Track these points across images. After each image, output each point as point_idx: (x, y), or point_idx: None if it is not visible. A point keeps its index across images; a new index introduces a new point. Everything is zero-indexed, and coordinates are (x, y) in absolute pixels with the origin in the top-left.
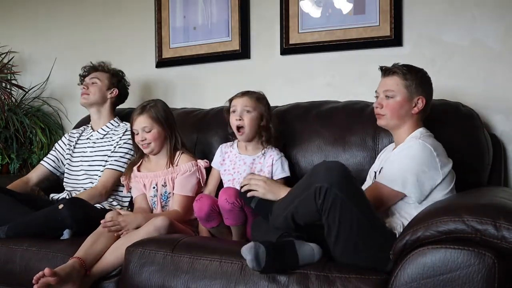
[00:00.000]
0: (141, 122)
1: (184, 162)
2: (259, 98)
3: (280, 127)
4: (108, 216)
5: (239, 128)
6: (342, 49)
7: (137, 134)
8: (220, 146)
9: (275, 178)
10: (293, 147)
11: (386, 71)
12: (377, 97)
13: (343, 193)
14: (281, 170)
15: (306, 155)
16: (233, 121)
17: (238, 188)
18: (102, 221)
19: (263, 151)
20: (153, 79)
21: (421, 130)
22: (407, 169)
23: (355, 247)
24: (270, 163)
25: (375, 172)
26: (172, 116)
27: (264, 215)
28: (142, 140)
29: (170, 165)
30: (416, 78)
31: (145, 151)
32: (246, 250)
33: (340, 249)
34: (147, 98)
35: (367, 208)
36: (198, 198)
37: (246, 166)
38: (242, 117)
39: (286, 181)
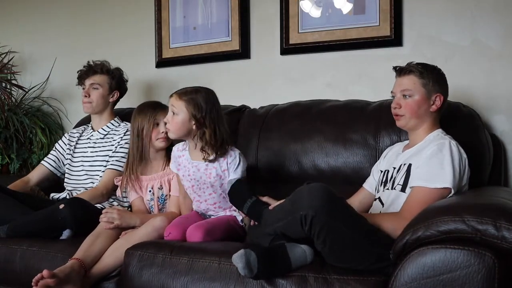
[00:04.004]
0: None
1: None
2: (188, 99)
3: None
4: (105, 209)
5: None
6: (342, 49)
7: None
8: (173, 149)
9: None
10: (294, 144)
11: (401, 71)
12: (393, 97)
13: (330, 217)
14: (233, 173)
15: (307, 152)
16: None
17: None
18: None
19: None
20: (153, 79)
21: (440, 130)
22: (446, 164)
23: (353, 261)
24: (225, 167)
25: (384, 171)
26: None
27: (256, 219)
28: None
29: (165, 167)
30: (433, 76)
31: (162, 145)
32: (237, 258)
33: (336, 263)
34: (147, 98)
35: (358, 225)
36: (167, 234)
37: (201, 173)
38: (168, 118)
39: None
